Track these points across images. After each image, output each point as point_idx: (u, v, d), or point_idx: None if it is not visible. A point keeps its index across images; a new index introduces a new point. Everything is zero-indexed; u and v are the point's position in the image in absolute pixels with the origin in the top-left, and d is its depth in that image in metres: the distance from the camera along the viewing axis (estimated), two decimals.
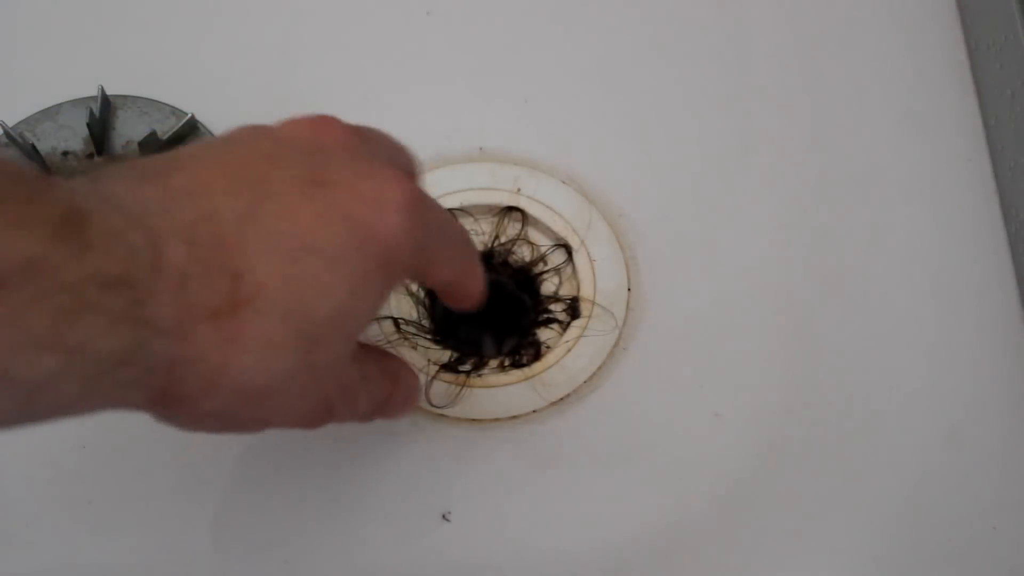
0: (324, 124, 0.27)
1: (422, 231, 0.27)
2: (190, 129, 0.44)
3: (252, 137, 0.27)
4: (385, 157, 0.28)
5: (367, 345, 0.31)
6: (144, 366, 0.22)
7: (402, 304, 0.43)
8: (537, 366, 0.41)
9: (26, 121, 0.45)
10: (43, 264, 0.19)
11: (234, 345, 0.23)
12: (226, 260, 0.23)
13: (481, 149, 0.45)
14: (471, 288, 0.32)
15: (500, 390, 0.40)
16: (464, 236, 0.31)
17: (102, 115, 0.44)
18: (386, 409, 0.31)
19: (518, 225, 0.44)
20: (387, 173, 0.26)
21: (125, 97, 0.45)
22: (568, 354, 0.41)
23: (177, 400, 0.23)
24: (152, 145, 0.43)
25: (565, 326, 0.42)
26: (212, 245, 0.23)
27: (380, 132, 0.30)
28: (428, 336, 0.42)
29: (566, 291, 0.43)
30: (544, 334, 0.42)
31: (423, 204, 0.27)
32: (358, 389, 0.29)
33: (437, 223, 0.28)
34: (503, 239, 0.44)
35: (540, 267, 0.44)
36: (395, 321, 0.41)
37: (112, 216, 0.21)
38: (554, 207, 0.44)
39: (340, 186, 0.25)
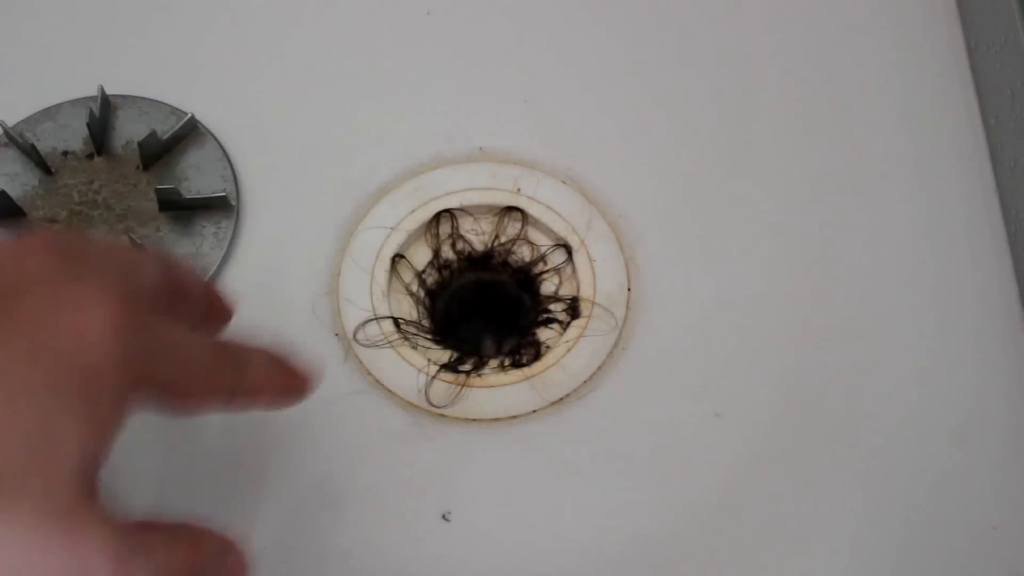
0: (23, 250, 0.25)
1: (135, 351, 0.24)
2: (190, 129, 0.44)
3: None
4: (97, 276, 0.25)
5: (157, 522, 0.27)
6: None
7: (402, 304, 0.43)
8: (537, 366, 0.41)
9: (26, 121, 0.45)
10: None
11: None
12: None
13: (481, 149, 0.45)
14: (243, 402, 0.28)
15: (500, 390, 0.40)
16: (210, 352, 0.28)
17: (102, 115, 0.44)
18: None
19: (518, 225, 0.44)
20: (89, 297, 0.24)
21: (125, 97, 0.45)
22: (568, 354, 0.41)
23: None
24: (152, 145, 0.43)
25: (565, 326, 0.42)
26: None
27: (102, 244, 0.27)
28: (428, 336, 0.42)
29: (566, 291, 0.43)
30: (544, 334, 0.42)
31: (135, 322, 0.25)
32: (126, 552, 0.25)
33: (158, 340, 0.26)
34: (503, 239, 0.44)
35: (540, 267, 0.44)
36: (395, 321, 0.41)
37: None
38: (554, 207, 0.44)
39: (32, 321, 0.23)
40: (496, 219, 0.44)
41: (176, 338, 0.27)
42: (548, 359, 0.41)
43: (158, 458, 0.39)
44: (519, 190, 0.44)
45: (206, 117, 0.45)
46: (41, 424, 0.22)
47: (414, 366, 0.40)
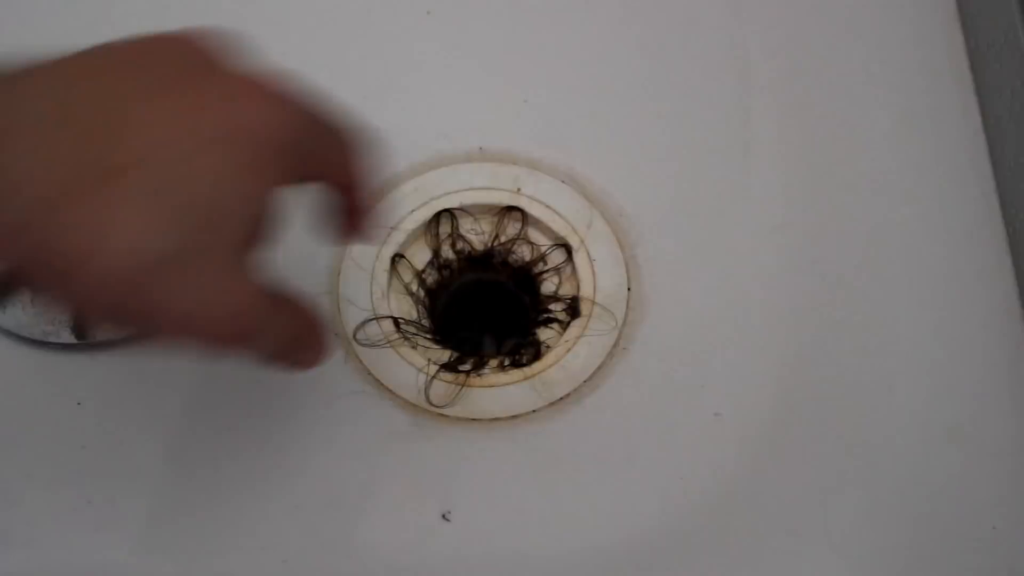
0: (198, 33, 0.28)
1: (299, 127, 0.27)
2: None
3: (116, 44, 0.27)
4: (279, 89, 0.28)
5: (277, 290, 0.29)
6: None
7: (402, 304, 0.43)
8: (537, 366, 0.41)
9: None
10: None
11: (105, 217, 0.23)
12: (95, 131, 0.24)
13: (481, 149, 0.45)
14: (362, 197, 0.32)
15: (500, 390, 0.40)
16: (355, 138, 0.31)
17: None
18: (294, 351, 0.30)
19: (518, 225, 0.44)
20: (263, 78, 0.27)
21: None
22: (568, 354, 0.41)
23: (54, 273, 0.24)
24: None
25: (565, 326, 0.42)
26: (80, 117, 0.24)
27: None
28: (428, 336, 0.42)
29: (566, 291, 0.43)
30: (544, 334, 0.42)
31: (300, 105, 0.28)
32: (264, 312, 0.28)
33: (318, 122, 0.29)
34: (503, 239, 0.44)
35: (540, 267, 0.44)
36: (395, 321, 0.41)
37: None
38: (554, 207, 0.44)
39: (216, 81, 0.26)
40: (496, 219, 0.44)
41: (328, 122, 0.29)
42: (548, 359, 0.41)
43: (159, 457, 0.39)
44: (519, 190, 0.44)
45: None
46: (231, 174, 0.25)
47: (414, 366, 0.40)
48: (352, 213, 0.32)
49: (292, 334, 0.29)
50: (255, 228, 0.27)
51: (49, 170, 0.23)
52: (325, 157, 0.29)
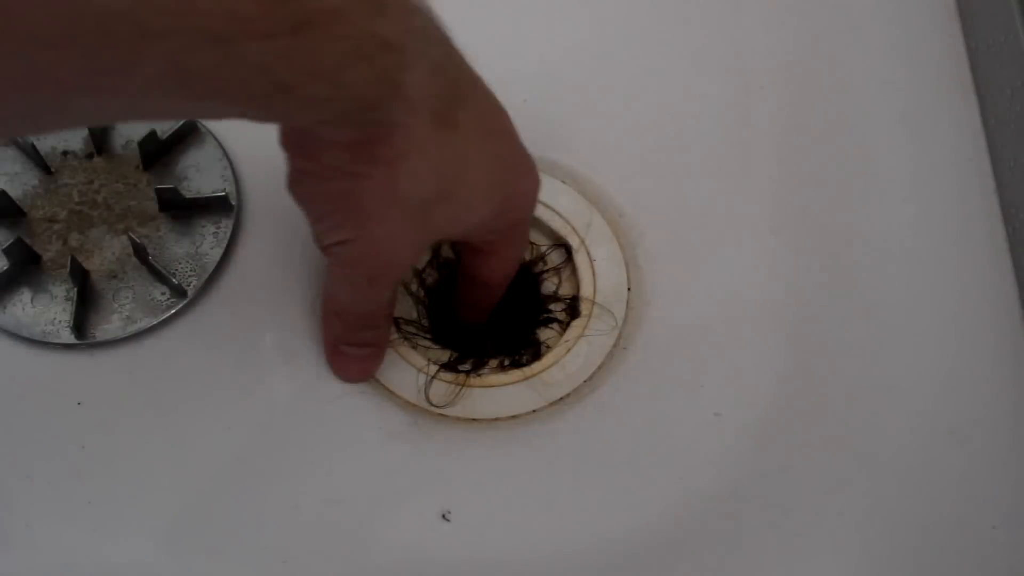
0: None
1: (523, 217, 0.36)
2: (190, 129, 0.44)
3: None
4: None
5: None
6: (379, 120, 0.28)
7: (402, 304, 0.43)
8: (537, 366, 0.41)
9: None
10: (344, 15, 0.24)
11: (431, 148, 0.29)
12: (458, 88, 0.31)
13: None
14: (494, 294, 0.40)
15: (500, 390, 0.40)
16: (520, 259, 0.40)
17: None
18: (361, 332, 0.38)
19: None
20: (537, 181, 0.36)
21: None
22: (568, 354, 0.41)
23: (371, 151, 0.29)
24: (151, 144, 0.43)
25: (565, 326, 0.42)
26: (456, 72, 0.31)
27: None
28: (428, 336, 0.42)
29: (566, 291, 0.43)
30: (544, 334, 0.42)
31: (533, 209, 0.37)
32: (396, 280, 0.36)
33: (527, 229, 0.38)
34: None
35: (540, 267, 0.44)
36: (395, 321, 0.41)
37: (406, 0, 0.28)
38: (554, 207, 0.44)
39: (516, 146, 0.35)
40: None
41: (527, 234, 0.39)
42: (548, 359, 0.41)
43: (159, 457, 0.39)
44: None
45: None
46: (484, 198, 0.33)
47: (414, 366, 0.40)
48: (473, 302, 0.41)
49: (380, 315, 0.38)
50: (446, 236, 0.35)
51: (430, 86, 0.29)
52: (507, 245, 0.37)
